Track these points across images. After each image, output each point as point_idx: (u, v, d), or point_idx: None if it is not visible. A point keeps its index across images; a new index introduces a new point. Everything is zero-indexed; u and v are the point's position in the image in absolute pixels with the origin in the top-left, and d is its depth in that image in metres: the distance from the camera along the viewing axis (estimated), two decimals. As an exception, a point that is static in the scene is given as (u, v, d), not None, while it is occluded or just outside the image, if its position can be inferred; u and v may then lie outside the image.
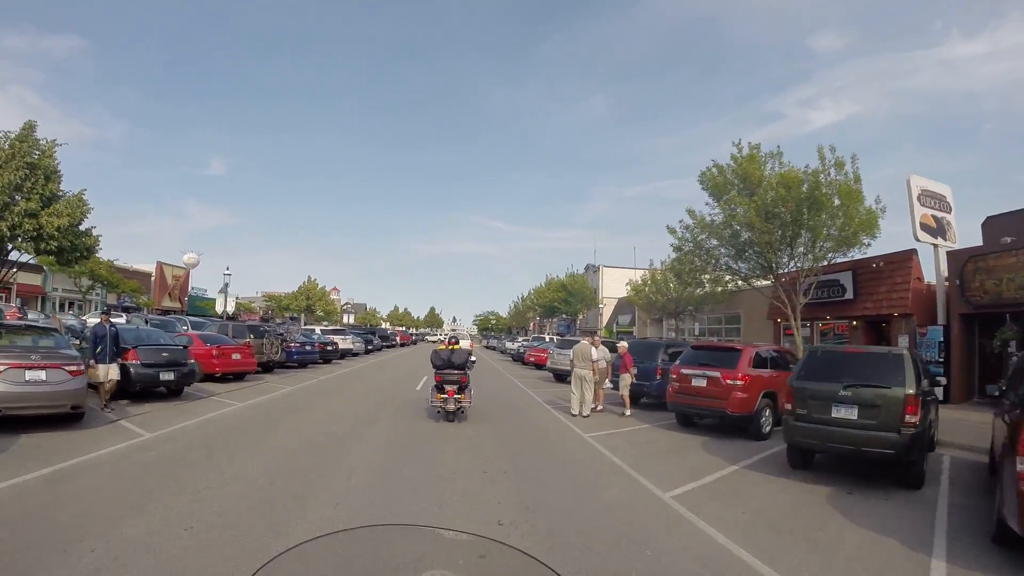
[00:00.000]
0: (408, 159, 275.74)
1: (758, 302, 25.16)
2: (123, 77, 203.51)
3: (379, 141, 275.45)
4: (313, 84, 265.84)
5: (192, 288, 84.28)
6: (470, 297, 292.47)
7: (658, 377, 15.24)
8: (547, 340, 39.26)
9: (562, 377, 21.51)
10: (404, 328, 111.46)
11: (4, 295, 37.71)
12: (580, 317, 51.61)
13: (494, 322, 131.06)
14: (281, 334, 20.88)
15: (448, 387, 10.98)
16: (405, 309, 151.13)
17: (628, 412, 14.05)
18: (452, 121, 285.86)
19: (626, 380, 14.18)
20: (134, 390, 12.54)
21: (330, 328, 32.90)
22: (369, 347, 39.31)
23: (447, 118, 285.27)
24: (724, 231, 18.23)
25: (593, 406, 13.80)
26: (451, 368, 11.16)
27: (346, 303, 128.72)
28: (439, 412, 11.34)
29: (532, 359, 29.62)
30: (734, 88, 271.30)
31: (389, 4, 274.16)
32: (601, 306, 52.56)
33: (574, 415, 13.43)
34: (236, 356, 17.13)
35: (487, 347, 68.84)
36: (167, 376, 12.91)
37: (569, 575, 4.24)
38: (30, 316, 25.43)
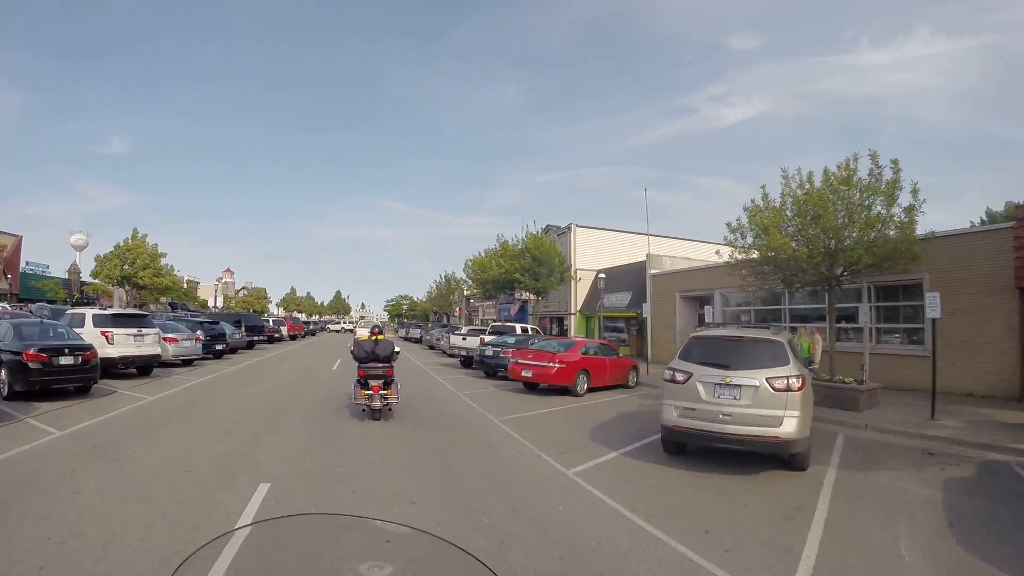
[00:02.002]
0: (313, 142, 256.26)
1: (972, 258, 13.21)
2: (19, 42, 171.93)
3: (284, 124, 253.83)
4: (216, 65, 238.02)
5: (27, 263, 63.69)
6: (379, 283, 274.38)
7: None
8: (522, 332, 24.89)
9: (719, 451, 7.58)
10: (299, 315, 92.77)
11: None
12: (540, 297, 37.15)
13: (407, 307, 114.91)
14: None
15: (373, 382, 9.98)
16: (308, 293, 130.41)
17: None
18: (359, 104, 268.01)
19: None
20: None
21: (104, 312, 16.28)
22: (219, 347, 23.13)
23: (354, 101, 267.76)
24: None
25: None
26: (376, 361, 10.21)
27: (242, 287, 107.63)
28: (364, 410, 10.16)
29: (528, 374, 15.01)
30: (648, 81, 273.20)
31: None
32: (578, 280, 38.51)
33: None
34: None
35: (407, 338, 53.37)
36: None
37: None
38: None
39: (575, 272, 38.36)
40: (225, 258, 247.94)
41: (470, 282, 45.33)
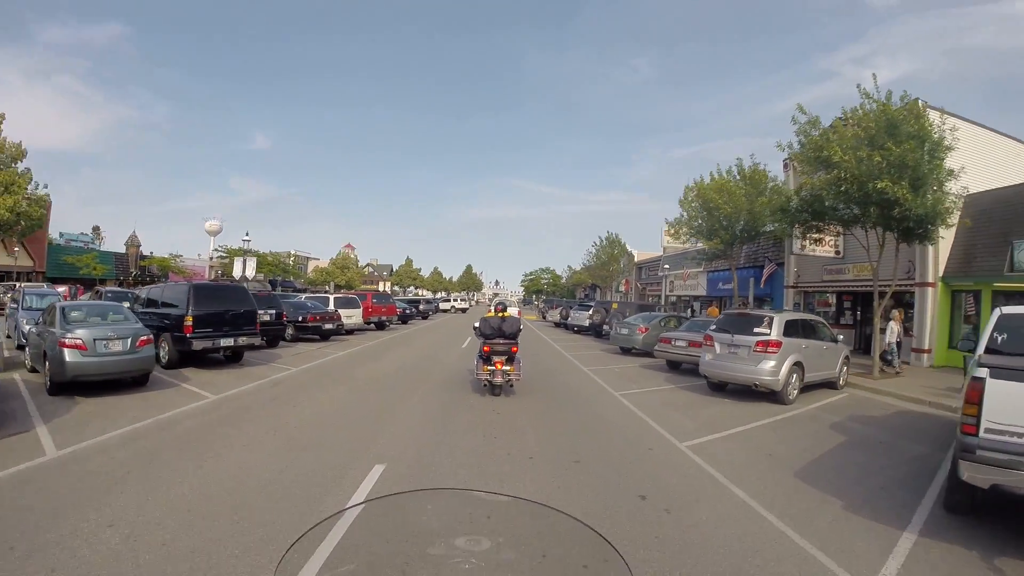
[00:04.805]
0: (452, 128, 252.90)
1: None
2: (164, 59, 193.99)
3: (423, 111, 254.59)
4: (355, 56, 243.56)
5: (61, 234, 52.15)
6: (513, 260, 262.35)
7: None
8: None
9: None
10: (422, 292, 77.41)
11: None
12: (923, 242, 14.60)
13: (547, 282, 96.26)
14: None
15: (496, 358, 10.00)
16: (435, 268, 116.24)
17: None
18: (497, 89, 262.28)
19: None
20: None
21: None
22: None
23: (491, 86, 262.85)
24: None
25: None
26: (501, 337, 10.13)
27: (366, 264, 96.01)
28: (485, 385, 10.24)
29: None
30: (784, 47, 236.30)
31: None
32: (958, 218, 15.45)
33: None
34: None
35: (562, 324, 34.24)
36: None
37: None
38: None
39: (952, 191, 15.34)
40: (359, 239, 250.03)
41: (696, 223, 23.41)
